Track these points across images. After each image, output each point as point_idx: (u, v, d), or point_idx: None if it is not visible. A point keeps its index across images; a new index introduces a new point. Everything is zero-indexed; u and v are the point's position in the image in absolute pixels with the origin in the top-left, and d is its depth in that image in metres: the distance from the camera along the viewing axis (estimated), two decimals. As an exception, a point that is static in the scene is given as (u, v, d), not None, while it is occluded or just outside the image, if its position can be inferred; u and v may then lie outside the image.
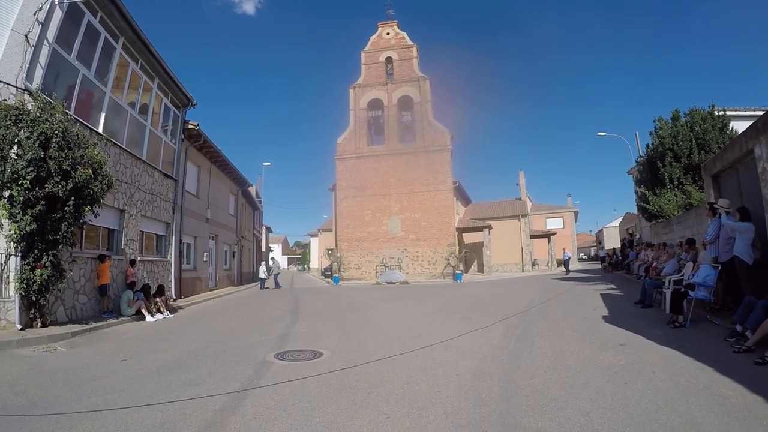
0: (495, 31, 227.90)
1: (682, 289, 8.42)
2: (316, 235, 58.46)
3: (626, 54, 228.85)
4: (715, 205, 9.03)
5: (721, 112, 18.75)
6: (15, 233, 8.61)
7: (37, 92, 9.40)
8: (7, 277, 9.03)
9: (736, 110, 20.39)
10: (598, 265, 35.28)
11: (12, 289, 8.93)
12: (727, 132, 17.86)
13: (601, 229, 67.28)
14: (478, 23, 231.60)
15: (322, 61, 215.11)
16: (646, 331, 7.65)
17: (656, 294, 10.79)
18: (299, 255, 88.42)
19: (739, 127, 15.29)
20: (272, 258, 38.17)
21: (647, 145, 21.35)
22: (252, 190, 35.54)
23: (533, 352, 6.52)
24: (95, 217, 10.23)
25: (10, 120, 8.59)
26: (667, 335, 7.27)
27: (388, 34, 36.32)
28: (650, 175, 20.20)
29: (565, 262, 32.57)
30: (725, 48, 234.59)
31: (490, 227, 34.38)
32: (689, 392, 4.43)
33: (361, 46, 36.72)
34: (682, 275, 9.76)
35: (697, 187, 16.97)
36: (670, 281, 9.61)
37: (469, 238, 36.16)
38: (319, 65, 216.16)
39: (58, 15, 10.12)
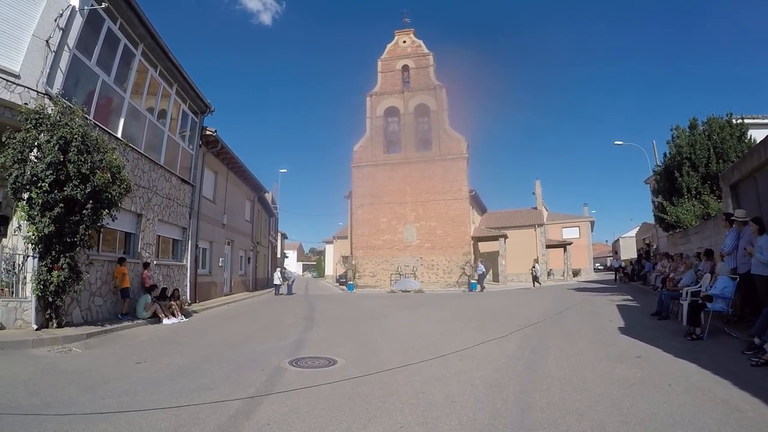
0: (512, 40, 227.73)
1: (700, 301, 8.27)
2: (331, 243, 58.66)
3: (643, 64, 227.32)
4: (732, 216, 8.89)
5: (739, 121, 18.42)
6: (33, 235, 8.75)
7: (57, 97, 9.56)
8: (25, 278, 9.15)
9: (754, 118, 20.03)
10: (612, 276, 33.30)
11: (29, 290, 9.05)
12: (746, 140, 17.55)
13: (618, 239, 66.52)
14: (495, 32, 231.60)
15: (338, 69, 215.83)
16: (662, 343, 7.52)
17: (673, 305, 10.63)
18: (314, 262, 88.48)
19: (758, 135, 15.04)
20: (285, 267, 38.20)
21: (664, 155, 21.07)
22: (268, 196, 35.76)
23: (548, 363, 6.44)
24: (113, 220, 10.35)
25: (30, 123, 8.77)
26: (684, 347, 7.16)
27: (404, 42, 36.47)
28: (667, 184, 19.91)
29: (480, 277, 27.05)
30: (742, 56, 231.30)
31: (505, 236, 34.19)
32: (706, 406, 4.34)
33: (378, 55, 36.92)
34: (700, 286, 9.62)
35: (715, 197, 16.70)
36: (687, 293, 9.45)
37: (485, 247, 35.89)
38: (335, 73, 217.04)
39: (78, 21, 10.29)
